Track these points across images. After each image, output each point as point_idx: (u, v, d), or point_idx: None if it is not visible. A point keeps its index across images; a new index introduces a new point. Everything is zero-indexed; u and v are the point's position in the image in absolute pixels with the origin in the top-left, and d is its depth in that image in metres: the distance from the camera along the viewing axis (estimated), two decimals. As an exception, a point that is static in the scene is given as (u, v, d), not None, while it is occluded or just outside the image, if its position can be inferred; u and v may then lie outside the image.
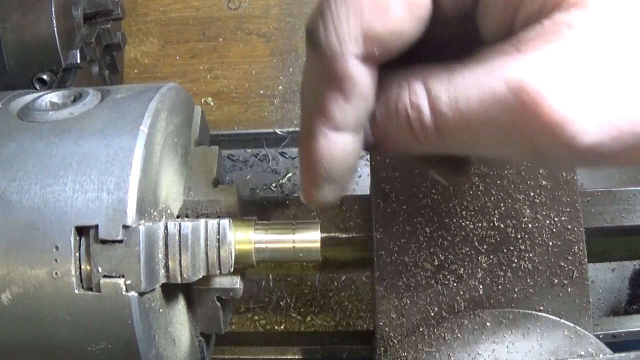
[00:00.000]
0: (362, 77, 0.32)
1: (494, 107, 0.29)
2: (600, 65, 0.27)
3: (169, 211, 0.43)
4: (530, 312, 0.51)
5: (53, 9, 0.68)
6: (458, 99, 0.30)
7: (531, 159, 0.32)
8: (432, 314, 0.52)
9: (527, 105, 0.28)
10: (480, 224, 0.52)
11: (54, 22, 0.68)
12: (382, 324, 0.53)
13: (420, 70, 0.33)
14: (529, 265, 0.52)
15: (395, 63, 0.33)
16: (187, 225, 0.40)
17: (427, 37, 0.32)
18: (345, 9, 0.31)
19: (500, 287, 0.52)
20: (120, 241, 0.36)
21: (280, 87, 0.92)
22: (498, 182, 0.52)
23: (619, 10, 0.27)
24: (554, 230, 0.52)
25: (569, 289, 0.52)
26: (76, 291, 0.36)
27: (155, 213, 0.40)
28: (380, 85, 0.34)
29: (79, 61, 0.72)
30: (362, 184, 0.84)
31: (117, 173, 0.37)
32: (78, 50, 0.72)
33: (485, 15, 0.32)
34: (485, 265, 0.52)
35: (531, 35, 0.28)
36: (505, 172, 0.52)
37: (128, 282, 0.36)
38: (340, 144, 0.34)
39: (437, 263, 0.52)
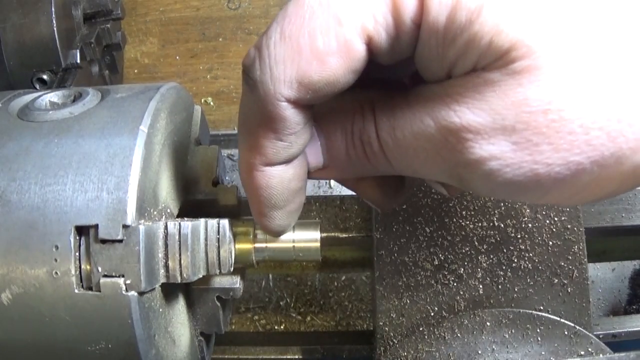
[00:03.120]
0: (293, 117, 0.33)
1: (425, 141, 0.33)
2: (516, 118, 0.30)
3: (168, 211, 0.43)
4: (530, 312, 0.51)
5: (53, 9, 0.68)
6: (395, 129, 0.34)
7: (461, 186, 0.36)
8: (432, 314, 0.52)
9: (450, 143, 0.32)
10: (480, 224, 0.52)
11: (54, 22, 0.68)
12: (382, 323, 0.53)
13: (370, 97, 0.36)
14: (529, 265, 0.52)
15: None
16: (187, 225, 0.40)
17: (371, 70, 0.34)
18: (283, 52, 0.31)
19: (500, 286, 0.52)
20: (120, 241, 0.36)
21: (280, 87, 0.91)
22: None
23: (530, 68, 0.29)
24: (554, 230, 0.52)
25: (569, 289, 0.52)
26: (76, 291, 0.36)
27: (155, 213, 0.40)
28: (336, 109, 0.36)
29: (79, 61, 0.72)
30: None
31: (117, 173, 0.37)
32: (78, 50, 0.72)
33: (419, 66, 0.34)
34: (485, 265, 0.52)
35: (459, 88, 0.31)
36: (505, 172, 0.52)
37: (128, 281, 0.36)
38: (276, 175, 0.36)
39: (437, 263, 0.52)
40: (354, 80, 0.33)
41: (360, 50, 0.31)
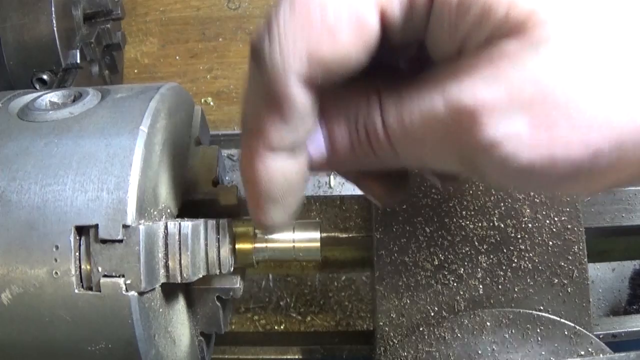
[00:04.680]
0: (301, 99, 0.32)
1: (434, 124, 0.31)
2: (540, 91, 0.28)
3: (169, 211, 0.43)
4: (530, 312, 0.51)
5: (53, 9, 0.68)
6: (403, 114, 0.32)
7: (473, 175, 0.34)
8: (432, 314, 0.52)
9: (462, 124, 0.29)
10: (480, 224, 0.52)
11: (54, 22, 0.68)
12: (382, 323, 0.53)
13: (376, 85, 0.34)
14: (529, 265, 0.52)
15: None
16: (187, 224, 0.40)
17: (381, 53, 0.33)
18: (293, 26, 0.30)
19: (500, 287, 0.52)
20: (120, 241, 0.36)
21: (280, 87, 0.91)
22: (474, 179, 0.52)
23: (566, 41, 0.28)
24: (554, 230, 0.52)
25: (569, 289, 0.52)
26: (76, 291, 0.36)
27: (155, 213, 0.40)
28: (339, 99, 0.35)
29: (79, 61, 0.72)
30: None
31: (117, 173, 0.37)
32: (78, 50, 0.72)
33: (431, 43, 0.33)
34: (485, 265, 0.52)
35: (472, 61, 0.30)
36: (505, 172, 0.52)
37: (128, 281, 0.36)
38: (278, 166, 0.34)
39: (437, 263, 0.52)
40: (366, 61, 0.32)
41: (373, 24, 0.30)
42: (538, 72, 0.28)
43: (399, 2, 0.30)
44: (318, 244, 0.45)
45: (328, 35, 0.30)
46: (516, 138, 0.29)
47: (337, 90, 0.34)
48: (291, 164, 0.34)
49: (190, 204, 0.46)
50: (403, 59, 0.37)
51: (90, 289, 0.37)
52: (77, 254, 0.36)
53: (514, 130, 0.29)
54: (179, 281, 0.40)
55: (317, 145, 0.36)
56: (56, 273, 0.36)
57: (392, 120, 0.33)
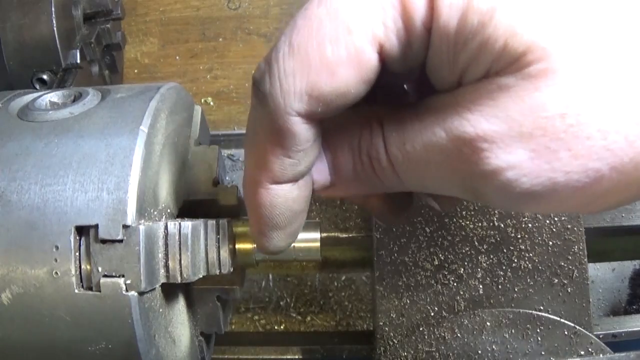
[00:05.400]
0: (303, 133, 0.32)
1: (436, 153, 0.31)
2: (533, 124, 0.29)
3: (169, 211, 0.43)
4: (530, 312, 0.51)
5: (53, 9, 0.68)
6: (405, 143, 0.33)
7: (476, 200, 0.35)
8: (432, 314, 0.52)
9: (464, 154, 0.30)
10: (480, 224, 0.52)
11: (54, 22, 0.68)
12: (382, 324, 0.53)
13: (377, 112, 0.34)
14: (529, 265, 0.52)
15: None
16: (187, 225, 0.40)
17: (383, 80, 0.33)
18: (292, 64, 0.30)
19: (500, 286, 0.52)
20: (120, 241, 0.36)
21: (280, 87, 0.91)
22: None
23: (546, 73, 0.29)
24: (554, 230, 0.52)
25: (569, 289, 0.52)
26: (76, 291, 0.36)
27: (155, 213, 0.40)
28: (342, 126, 0.35)
29: (79, 61, 0.71)
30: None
31: (117, 173, 0.37)
32: (78, 50, 0.72)
33: (431, 74, 0.33)
34: (485, 265, 0.52)
35: (471, 95, 0.30)
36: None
37: (128, 281, 0.36)
38: (281, 194, 0.35)
39: (437, 263, 0.52)
40: (366, 92, 0.32)
41: (371, 59, 0.31)
42: (536, 106, 0.29)
43: (397, 37, 0.30)
44: (318, 244, 0.45)
45: (326, 72, 0.30)
46: (517, 167, 0.30)
47: (339, 118, 0.34)
48: (294, 193, 0.35)
49: (190, 204, 0.46)
50: (406, 83, 0.38)
51: (90, 289, 0.37)
52: (77, 254, 0.36)
53: (515, 160, 0.29)
54: (179, 281, 0.40)
55: (321, 171, 0.36)
56: (56, 273, 0.36)
57: (395, 149, 0.33)
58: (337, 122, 0.35)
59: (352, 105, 0.32)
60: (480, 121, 0.30)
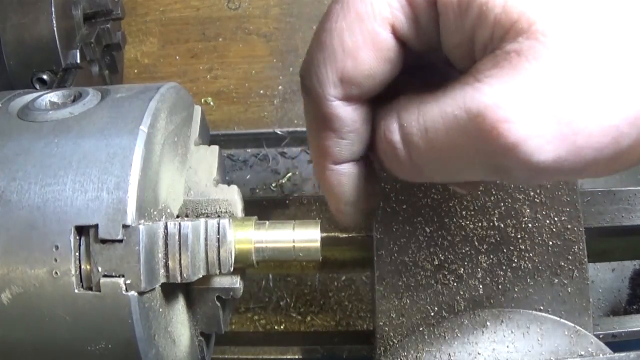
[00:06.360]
0: (348, 114, 0.36)
1: (458, 134, 0.32)
2: (549, 86, 0.29)
3: (169, 211, 0.43)
4: (530, 312, 0.51)
5: (53, 9, 0.68)
6: (427, 128, 0.34)
7: (498, 177, 0.36)
8: (432, 314, 0.52)
9: (484, 129, 0.31)
10: (480, 224, 0.52)
11: (54, 22, 0.68)
12: (382, 323, 0.53)
13: (397, 103, 0.36)
14: (529, 265, 0.52)
15: (386, 94, 0.36)
16: (187, 224, 0.40)
17: (411, 68, 0.36)
18: (322, 56, 0.35)
19: (500, 286, 0.52)
20: (120, 241, 0.36)
21: (280, 87, 0.92)
22: (498, 181, 0.52)
23: (560, 36, 0.29)
24: (554, 230, 0.52)
25: (569, 289, 0.52)
26: (76, 291, 0.36)
27: (155, 213, 0.40)
28: (374, 119, 0.38)
29: (79, 61, 0.71)
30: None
31: (117, 172, 0.37)
32: (78, 50, 0.72)
33: (448, 50, 0.35)
34: (485, 265, 0.52)
35: (486, 65, 0.31)
36: (505, 171, 0.52)
37: (128, 281, 0.36)
38: (344, 173, 0.39)
39: (437, 263, 0.52)
40: (395, 70, 0.35)
41: (386, 39, 0.34)
42: (550, 65, 0.29)
43: (403, 14, 0.33)
44: (318, 244, 0.45)
45: (350, 59, 0.34)
46: (539, 135, 0.30)
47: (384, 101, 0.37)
48: (357, 170, 0.39)
49: (190, 204, 0.46)
50: (440, 63, 0.39)
51: (90, 289, 0.37)
52: (77, 254, 0.37)
53: (535, 129, 0.30)
54: (179, 281, 0.40)
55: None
56: (56, 273, 0.36)
57: (415, 138, 0.34)
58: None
59: (388, 81, 0.35)
60: (494, 90, 0.30)
